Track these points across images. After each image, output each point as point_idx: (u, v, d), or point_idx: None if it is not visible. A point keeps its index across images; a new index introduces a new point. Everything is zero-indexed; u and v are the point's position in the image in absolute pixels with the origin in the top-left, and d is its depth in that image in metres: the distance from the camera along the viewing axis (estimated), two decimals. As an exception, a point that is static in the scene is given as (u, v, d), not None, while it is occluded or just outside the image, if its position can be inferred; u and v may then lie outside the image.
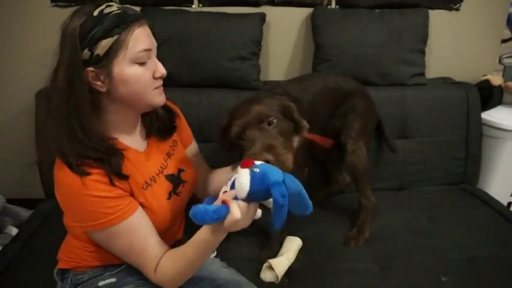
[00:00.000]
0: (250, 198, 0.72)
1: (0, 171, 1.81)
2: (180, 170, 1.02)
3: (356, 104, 1.42)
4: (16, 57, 1.67)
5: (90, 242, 0.91)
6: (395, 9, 1.71)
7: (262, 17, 1.65)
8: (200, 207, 0.72)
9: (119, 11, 0.80)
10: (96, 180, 0.80)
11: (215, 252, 1.14)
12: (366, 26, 1.65)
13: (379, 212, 1.49)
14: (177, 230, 1.07)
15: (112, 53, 0.79)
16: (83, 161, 0.80)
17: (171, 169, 1.00)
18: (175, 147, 1.05)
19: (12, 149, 1.78)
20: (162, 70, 0.87)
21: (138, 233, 0.86)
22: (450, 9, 1.79)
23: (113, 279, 0.94)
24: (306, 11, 1.72)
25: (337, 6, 1.74)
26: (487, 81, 1.82)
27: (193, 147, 1.16)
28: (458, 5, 1.79)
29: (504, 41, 2.08)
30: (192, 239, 0.85)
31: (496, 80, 1.82)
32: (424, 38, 1.72)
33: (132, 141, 0.94)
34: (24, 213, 1.70)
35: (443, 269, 1.19)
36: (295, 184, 0.72)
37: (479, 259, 1.24)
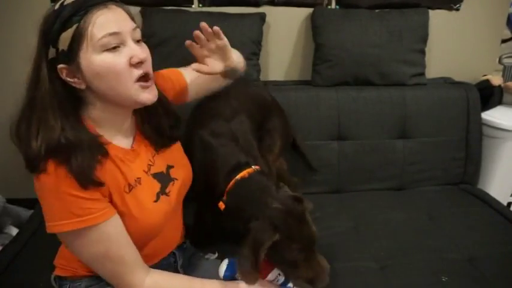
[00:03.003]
0: None
1: (0, 171, 1.80)
2: (168, 167, 0.93)
3: (276, 120, 1.38)
4: (16, 57, 1.66)
5: None
6: (395, 9, 1.71)
7: (262, 17, 1.65)
8: None
9: None
10: (72, 180, 0.73)
11: (216, 254, 1.13)
12: (366, 26, 1.65)
13: (379, 211, 1.49)
14: (174, 235, 1.00)
15: (75, 45, 0.72)
16: (55, 157, 0.73)
17: (158, 167, 0.91)
18: (172, 145, 0.97)
19: (12, 149, 1.78)
20: (140, 54, 0.76)
21: (114, 241, 0.80)
22: (450, 9, 1.80)
23: None
24: (306, 11, 1.72)
25: (337, 6, 1.74)
26: (487, 81, 1.82)
27: (185, 75, 1.05)
28: (458, 5, 1.79)
29: (504, 41, 2.08)
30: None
31: (496, 80, 1.82)
32: (424, 38, 1.72)
33: (118, 138, 0.86)
34: (24, 213, 1.70)
35: (443, 269, 1.19)
36: None
37: (479, 259, 1.24)
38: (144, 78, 0.79)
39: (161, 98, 0.88)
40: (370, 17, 1.67)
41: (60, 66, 0.74)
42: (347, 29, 1.65)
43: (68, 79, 0.75)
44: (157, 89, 0.85)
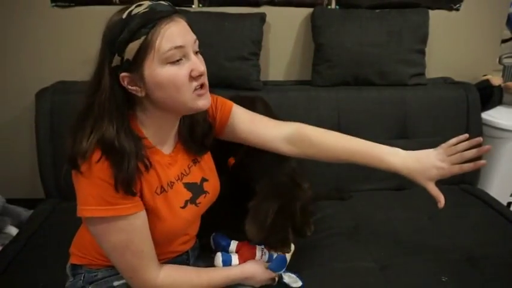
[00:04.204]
0: None
1: (0, 171, 1.81)
2: (202, 180, 0.97)
3: None
4: (16, 57, 1.67)
5: None
6: (395, 9, 1.71)
7: (262, 17, 1.65)
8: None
9: (147, 10, 0.75)
10: (109, 166, 0.76)
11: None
12: (366, 26, 1.65)
13: (379, 211, 1.49)
14: (192, 238, 1.05)
15: (141, 55, 0.75)
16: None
17: (193, 177, 0.95)
18: (203, 155, 1.00)
19: (12, 149, 1.78)
20: (199, 68, 0.79)
21: (138, 234, 0.83)
22: (450, 9, 1.80)
23: None
24: (306, 11, 1.72)
25: (337, 6, 1.74)
26: (487, 81, 1.82)
27: (236, 116, 1.02)
28: (458, 5, 1.79)
29: (504, 41, 2.08)
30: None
31: (496, 80, 1.82)
32: (424, 38, 1.72)
33: (161, 141, 0.90)
34: (24, 213, 1.70)
35: (443, 269, 1.19)
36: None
37: (479, 259, 1.24)
38: (200, 86, 0.82)
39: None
40: (370, 17, 1.67)
41: (123, 74, 0.77)
42: (347, 29, 1.65)
43: (129, 87, 0.78)
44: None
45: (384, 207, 1.53)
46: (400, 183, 1.69)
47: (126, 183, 0.77)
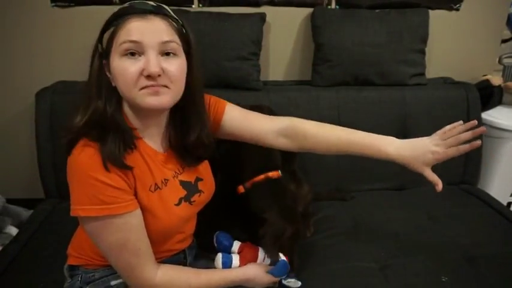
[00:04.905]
0: None
1: (0, 171, 1.81)
2: (197, 179, 0.97)
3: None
4: (16, 57, 1.67)
5: None
6: (395, 9, 1.71)
7: (262, 17, 1.65)
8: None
9: (126, 5, 0.80)
10: (101, 165, 0.77)
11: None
12: (365, 26, 1.65)
13: (379, 211, 1.49)
14: (188, 236, 1.04)
15: (109, 45, 0.79)
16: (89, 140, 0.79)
17: (187, 176, 0.95)
18: (199, 164, 1.00)
19: (12, 149, 1.78)
20: (151, 68, 0.76)
21: (134, 232, 0.83)
22: (450, 9, 1.80)
23: None
24: (306, 11, 1.72)
25: (337, 6, 1.74)
26: (487, 81, 1.82)
27: (230, 114, 1.02)
28: (458, 5, 1.79)
29: (504, 41, 2.08)
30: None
31: (496, 80, 1.82)
32: (424, 38, 1.72)
33: (149, 136, 0.89)
34: (24, 213, 1.70)
35: (443, 269, 1.19)
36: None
37: (479, 259, 1.24)
38: (151, 85, 0.79)
39: (203, 115, 0.93)
40: (370, 17, 1.67)
41: (104, 61, 0.82)
42: (347, 29, 1.65)
43: (108, 74, 0.82)
44: (203, 109, 0.93)
45: (384, 207, 1.53)
46: (400, 183, 1.69)
47: (117, 156, 0.78)
